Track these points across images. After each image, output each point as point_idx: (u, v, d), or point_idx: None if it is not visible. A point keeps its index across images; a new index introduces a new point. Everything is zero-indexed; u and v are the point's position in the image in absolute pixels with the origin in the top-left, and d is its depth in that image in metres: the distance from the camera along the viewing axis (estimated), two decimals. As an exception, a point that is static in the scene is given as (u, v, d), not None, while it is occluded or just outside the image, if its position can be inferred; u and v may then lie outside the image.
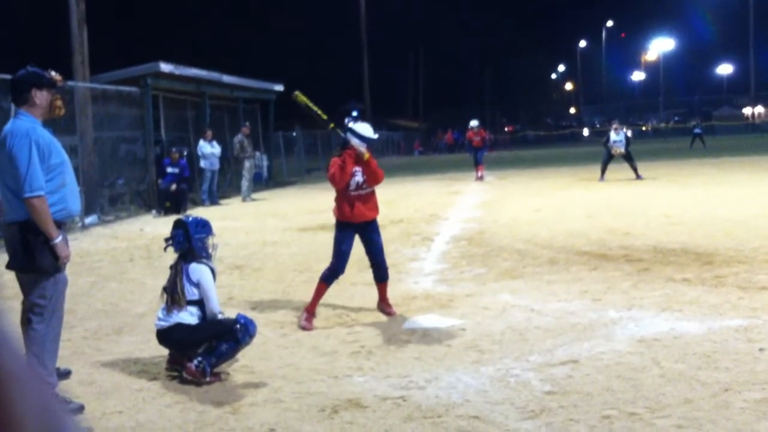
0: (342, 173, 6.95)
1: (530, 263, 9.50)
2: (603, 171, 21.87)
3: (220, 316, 5.67)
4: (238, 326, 5.49)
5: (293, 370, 5.67)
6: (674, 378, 5.03)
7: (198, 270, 5.63)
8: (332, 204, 7.27)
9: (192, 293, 5.61)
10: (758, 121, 69.36)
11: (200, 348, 5.50)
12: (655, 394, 4.76)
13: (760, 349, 5.53)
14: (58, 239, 5.04)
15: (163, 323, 5.63)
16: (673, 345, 5.76)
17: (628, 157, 21.71)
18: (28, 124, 5.04)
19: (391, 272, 8.72)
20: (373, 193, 7.23)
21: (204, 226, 5.83)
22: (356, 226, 7.14)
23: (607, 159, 21.90)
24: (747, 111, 76.60)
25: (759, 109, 74.32)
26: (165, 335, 5.63)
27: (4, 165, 5.03)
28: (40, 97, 5.13)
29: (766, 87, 75.36)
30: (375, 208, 7.23)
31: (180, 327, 5.55)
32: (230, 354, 5.53)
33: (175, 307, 5.60)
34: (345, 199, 7.08)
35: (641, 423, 4.32)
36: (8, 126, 5.13)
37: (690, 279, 8.07)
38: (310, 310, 7.06)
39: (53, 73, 5.28)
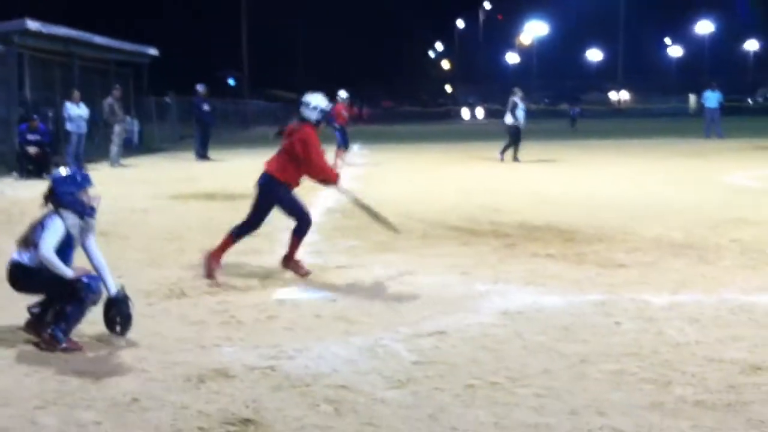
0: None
1: (403, 237, 9.60)
2: (515, 150, 20.78)
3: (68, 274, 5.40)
4: (79, 284, 5.28)
5: (159, 339, 5.54)
6: (535, 349, 5.22)
7: (50, 218, 5.40)
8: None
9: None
10: (623, 107, 72.38)
11: (40, 293, 5.44)
12: (517, 364, 4.92)
13: (616, 323, 5.80)
14: None
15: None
16: (536, 318, 5.97)
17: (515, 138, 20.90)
18: None
19: (263, 243, 8.68)
20: None
21: (72, 180, 5.52)
22: None
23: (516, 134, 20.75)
24: (613, 96, 79.74)
25: (624, 95, 77.47)
26: (9, 276, 5.46)
27: None
28: None
29: (633, 73, 78.60)
30: None
31: (18, 266, 5.37)
32: (77, 315, 5.31)
33: (22, 247, 5.40)
34: (298, 175, 8.11)
35: (503, 392, 4.46)
36: None
37: (553, 255, 8.36)
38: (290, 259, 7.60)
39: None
